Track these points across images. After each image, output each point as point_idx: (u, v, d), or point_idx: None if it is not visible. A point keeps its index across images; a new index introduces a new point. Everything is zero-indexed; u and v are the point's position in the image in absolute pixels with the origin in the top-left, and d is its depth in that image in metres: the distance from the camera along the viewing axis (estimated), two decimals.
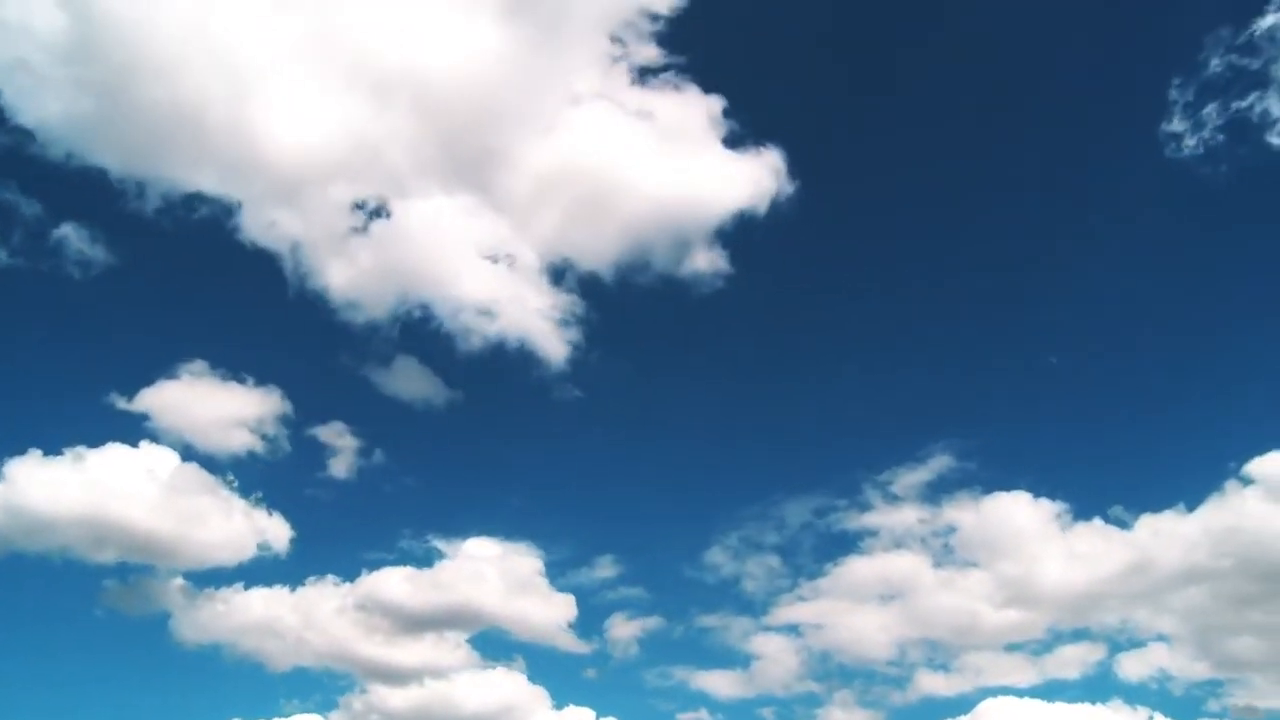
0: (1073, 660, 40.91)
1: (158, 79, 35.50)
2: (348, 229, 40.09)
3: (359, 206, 39.80)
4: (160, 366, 39.05)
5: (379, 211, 40.23)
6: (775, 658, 41.88)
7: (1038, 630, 41.28)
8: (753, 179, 41.66)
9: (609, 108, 41.51)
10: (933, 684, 41.28)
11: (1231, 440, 39.79)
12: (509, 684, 39.99)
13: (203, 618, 38.76)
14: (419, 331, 41.51)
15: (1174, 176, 41.00)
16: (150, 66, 35.30)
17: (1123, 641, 40.78)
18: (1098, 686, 39.99)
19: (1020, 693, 39.77)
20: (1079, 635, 40.99)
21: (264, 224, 39.11)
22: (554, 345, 41.68)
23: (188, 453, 38.50)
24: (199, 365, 39.44)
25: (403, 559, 41.09)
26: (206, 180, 37.77)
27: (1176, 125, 39.97)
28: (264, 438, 39.84)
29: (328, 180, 38.83)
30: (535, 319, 41.44)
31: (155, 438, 38.11)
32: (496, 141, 40.36)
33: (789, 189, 41.80)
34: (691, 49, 41.17)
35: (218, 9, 35.79)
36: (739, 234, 41.76)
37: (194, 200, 38.25)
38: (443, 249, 40.86)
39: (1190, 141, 40.06)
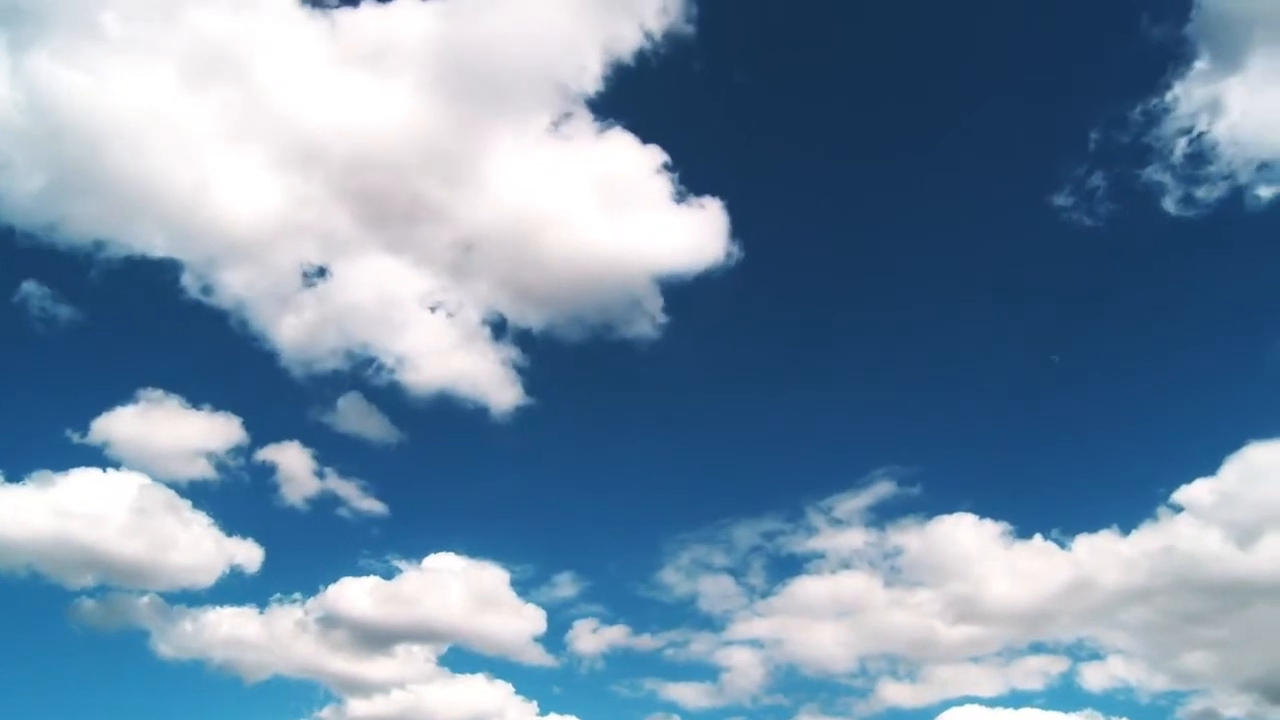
0: (1035, 671, 41.89)
1: (109, 153, 37.46)
2: (293, 287, 41.69)
3: (302, 266, 41.51)
4: (119, 395, 40.24)
5: (321, 272, 41.93)
6: (742, 670, 42.91)
7: (993, 645, 42.35)
8: (691, 231, 42.85)
9: (544, 161, 42.47)
10: (897, 694, 42.31)
11: (1160, 469, 41.67)
12: (484, 693, 40.97)
13: (176, 635, 39.67)
14: (368, 380, 42.82)
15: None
16: (101, 142, 37.28)
17: (1082, 654, 41.93)
18: (1061, 697, 41.11)
19: (986, 702, 40.87)
20: (1037, 648, 42.14)
21: (211, 283, 40.76)
22: (498, 392, 42.95)
23: (152, 477, 39.52)
24: (157, 393, 40.50)
25: (367, 572, 42.06)
26: (157, 243, 39.64)
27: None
28: (223, 463, 40.99)
29: (272, 242, 40.51)
30: (478, 368, 42.87)
31: (117, 464, 39.23)
32: (434, 198, 41.52)
33: (727, 238, 42.85)
34: (632, 103, 42.30)
35: (162, 87, 37.63)
36: (678, 283, 43.09)
37: (145, 262, 40.04)
38: (385, 304, 42.40)
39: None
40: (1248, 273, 41.35)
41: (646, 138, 42.43)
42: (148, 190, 37.76)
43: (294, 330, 41.85)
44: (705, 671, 42.81)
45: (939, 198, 45.27)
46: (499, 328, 43.13)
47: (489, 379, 42.84)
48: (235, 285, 40.77)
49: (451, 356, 42.55)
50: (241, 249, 40.08)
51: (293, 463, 41.63)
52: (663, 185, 42.31)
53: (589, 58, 41.11)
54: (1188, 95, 40.60)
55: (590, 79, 41.59)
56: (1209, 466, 39.58)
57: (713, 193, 42.80)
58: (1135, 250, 43.06)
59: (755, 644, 42.94)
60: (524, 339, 43.36)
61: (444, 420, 43.33)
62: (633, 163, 42.33)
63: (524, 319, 43.14)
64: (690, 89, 44.08)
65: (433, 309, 42.88)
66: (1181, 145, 40.87)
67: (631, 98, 42.19)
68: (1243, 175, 40.24)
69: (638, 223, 42.74)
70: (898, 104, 45.29)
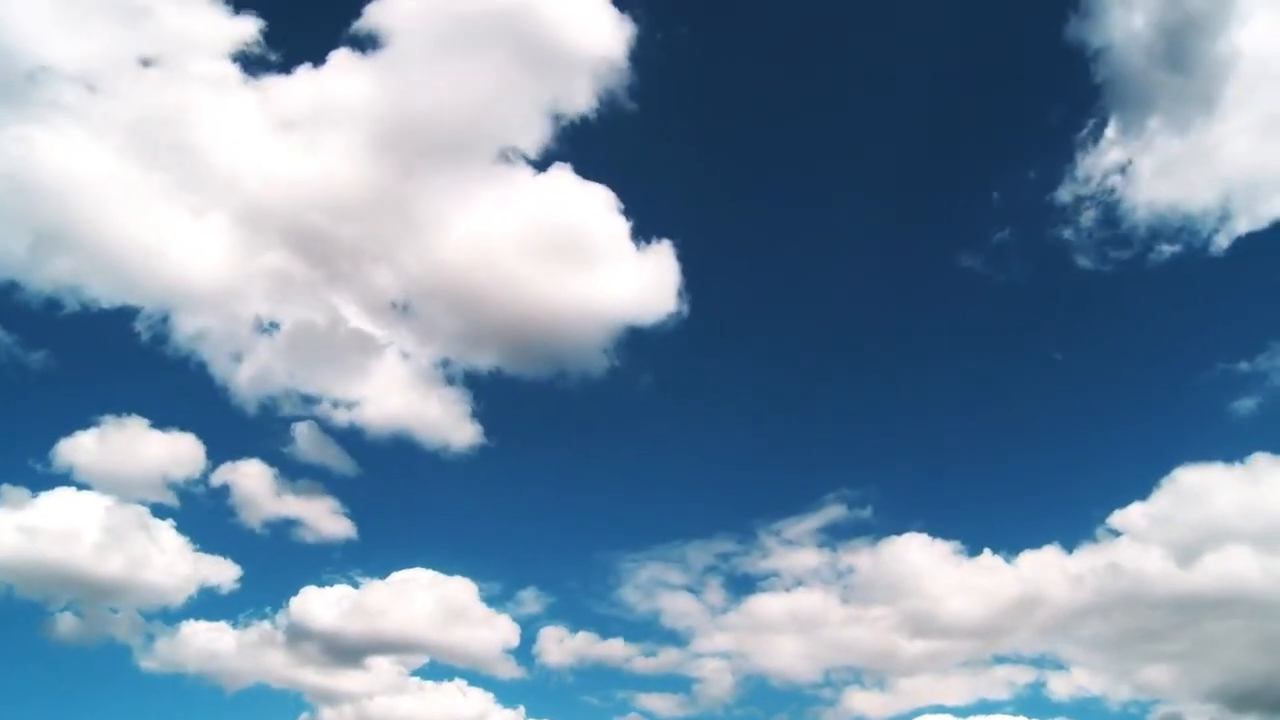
0: (1002, 681, 42.73)
1: (74, 213, 39.38)
2: (247, 334, 42.92)
3: (255, 313, 42.69)
4: (84, 418, 41.25)
5: (272, 323, 43.07)
6: (713, 680, 43.77)
7: (956, 657, 43.33)
8: (641, 273, 44.13)
9: (488, 210, 43.36)
10: (866, 704, 43.02)
11: (1096, 494, 43.20)
12: (461, 701, 41.76)
13: (153, 650, 40.51)
14: (325, 420, 43.83)
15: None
16: (62, 202, 39.20)
17: (1046, 666, 42.64)
18: (1030, 706, 41.94)
19: (954, 711, 41.75)
20: (1001, 660, 43.01)
21: (167, 330, 42.12)
22: (453, 432, 44.30)
23: (121, 498, 40.51)
24: (120, 418, 41.59)
25: (334, 586, 42.93)
26: (114, 294, 41.08)
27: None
28: (189, 483, 42.02)
29: (225, 292, 42.11)
30: (433, 410, 44.36)
31: (84, 485, 40.13)
32: (381, 248, 42.96)
33: (678, 278, 44.21)
34: (576, 153, 43.45)
35: (117, 152, 39.70)
36: (628, 324, 44.24)
37: (104, 310, 41.32)
38: (337, 350, 43.46)
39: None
40: (1155, 322, 44.96)
41: (592, 184, 43.74)
42: (105, 246, 39.83)
43: (250, 373, 43.09)
44: (677, 683, 43.92)
45: (872, 233, 47.35)
46: (451, 371, 44.68)
47: (444, 420, 44.40)
48: (191, 332, 42.28)
49: (406, 399, 44.13)
50: (196, 299, 41.83)
51: (256, 482, 42.66)
52: (611, 230, 43.72)
53: (530, 109, 42.61)
54: (1097, 159, 43.03)
55: (532, 130, 42.95)
56: (1142, 491, 41.36)
57: (663, 236, 44.34)
58: (1057, 300, 46.21)
59: (723, 656, 43.98)
60: (476, 380, 44.83)
61: (402, 456, 44.59)
62: (578, 210, 43.70)
63: (475, 362, 44.69)
64: (634, 138, 45.56)
65: (384, 354, 44.28)
66: (1091, 208, 43.36)
67: (576, 147, 43.63)
68: (1147, 234, 42.85)
69: (586, 267, 44.13)
70: (831, 159, 48.14)
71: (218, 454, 42.45)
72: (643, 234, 44.01)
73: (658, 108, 45.21)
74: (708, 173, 47.87)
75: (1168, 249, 42.45)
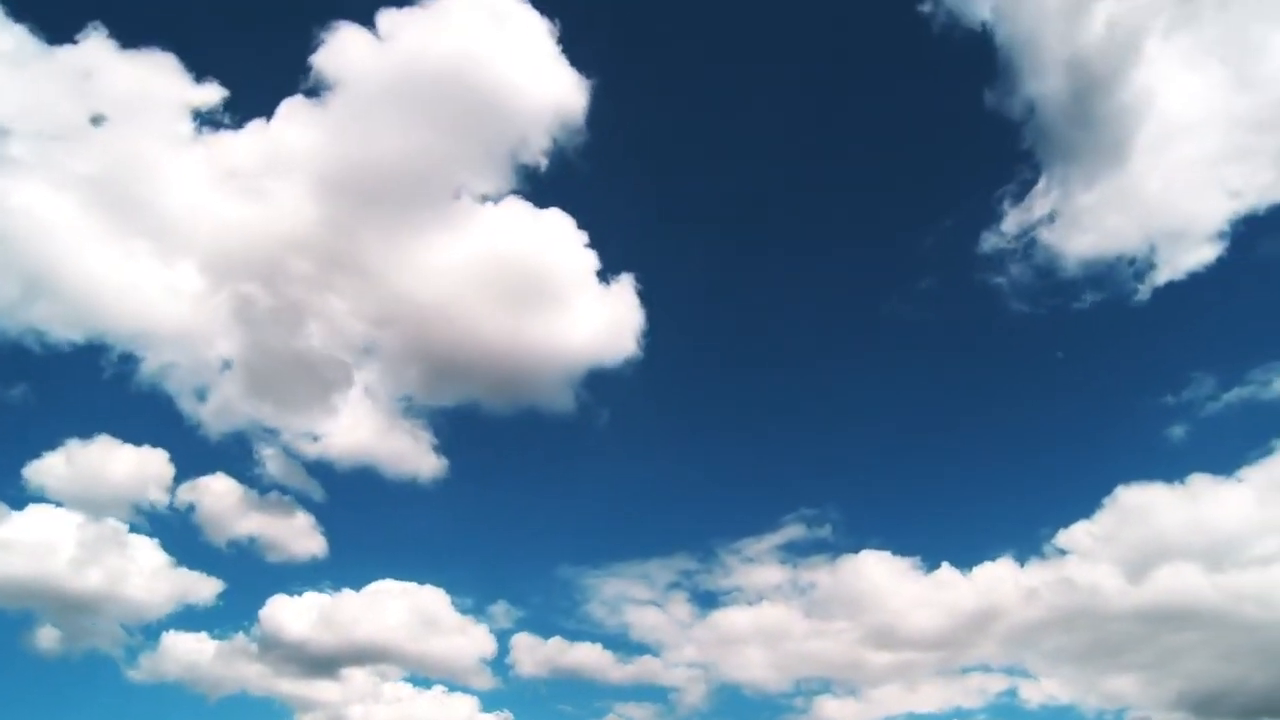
0: (974, 690, 43.50)
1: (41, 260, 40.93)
2: (208, 371, 44.05)
3: (216, 352, 43.74)
4: (57, 437, 42.18)
5: (235, 363, 44.01)
6: (688, 689, 44.75)
7: (921, 668, 44.15)
8: (603, 308, 45.56)
9: (447, 250, 44.43)
10: (839, 711, 43.99)
11: (1046, 512, 44.75)
12: (441, 708, 42.78)
13: (135, 661, 41.60)
14: (289, 449, 45.10)
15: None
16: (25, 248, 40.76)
17: (1015, 675, 43.37)
18: (1005, 714, 42.86)
19: (926, 719, 42.80)
20: (968, 670, 43.80)
21: (135, 368, 43.34)
22: (417, 462, 45.63)
23: (96, 514, 41.60)
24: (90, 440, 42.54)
25: (311, 599, 43.77)
26: (83, 334, 42.36)
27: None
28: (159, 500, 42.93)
29: (187, 332, 43.22)
30: (398, 443, 45.73)
31: (59, 503, 41.08)
32: (341, 288, 44.04)
33: (638, 312, 45.69)
34: (535, 193, 44.75)
35: (81, 203, 41.19)
36: (590, 358, 45.81)
37: (77, 348, 42.55)
38: (302, 386, 44.48)
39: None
40: (1085, 359, 47.24)
41: (551, 219, 44.86)
42: (72, 289, 41.38)
43: (215, 406, 44.09)
44: (652, 693, 44.84)
45: (818, 277, 51.24)
46: (415, 406, 46.00)
47: (409, 452, 45.77)
48: (156, 368, 43.38)
49: (371, 433, 45.60)
50: (162, 338, 43.05)
51: (226, 498, 43.66)
52: (574, 268, 44.94)
53: (486, 154, 43.93)
54: (1022, 214, 45.62)
55: (488, 173, 44.13)
56: (1087, 510, 42.69)
57: (623, 271, 45.82)
58: (990, 339, 48.98)
59: (695, 666, 44.94)
60: (440, 415, 46.25)
61: (368, 486, 45.78)
62: (537, 247, 44.88)
63: (439, 398, 46.04)
64: (590, 181, 47.07)
65: (348, 391, 45.19)
66: (1019, 258, 45.99)
67: (535, 187, 44.88)
68: (1074, 281, 45.24)
69: (546, 304, 45.28)
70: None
71: (186, 471, 43.43)
72: (603, 273, 45.39)
73: (610, 158, 47.52)
74: (663, 216, 51.00)
75: (1091, 297, 45.18)
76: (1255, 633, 39.24)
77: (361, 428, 45.30)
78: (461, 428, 46.85)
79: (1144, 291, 43.84)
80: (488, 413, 46.77)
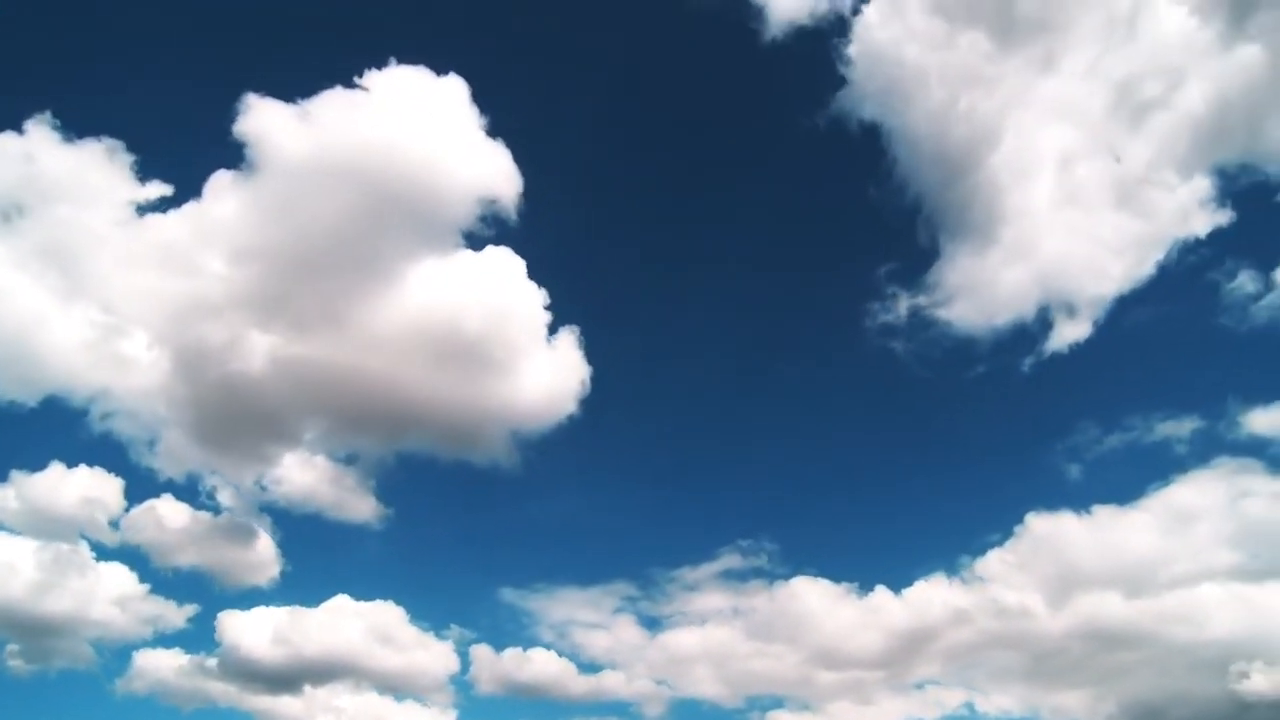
0: (932, 703, 44.34)
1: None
2: (159, 425, 45.72)
3: (165, 411, 45.16)
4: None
5: (179, 417, 45.39)
6: (648, 706, 45.81)
7: (867, 685, 45.07)
8: (543, 359, 47.15)
9: (381, 308, 45.54)
10: None
11: (965, 540, 47.12)
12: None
13: (103, 679, 43.32)
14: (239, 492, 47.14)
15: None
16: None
17: (965, 690, 44.30)
18: None
19: None
20: (921, 685, 44.75)
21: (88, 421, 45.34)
22: (360, 509, 47.50)
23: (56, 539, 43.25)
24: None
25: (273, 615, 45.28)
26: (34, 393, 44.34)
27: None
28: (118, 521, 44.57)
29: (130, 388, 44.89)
30: (340, 495, 47.58)
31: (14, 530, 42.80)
32: (279, 346, 45.15)
33: (581, 362, 47.52)
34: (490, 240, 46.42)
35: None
36: (528, 410, 47.61)
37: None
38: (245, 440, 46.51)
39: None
40: (977, 415, 51.40)
41: (491, 278, 46.27)
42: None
43: (165, 451, 45.81)
44: (616, 708, 45.98)
45: (743, 347, 55.10)
46: (353, 458, 47.77)
47: (350, 500, 47.56)
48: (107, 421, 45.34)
49: (314, 482, 47.41)
50: (113, 395, 44.98)
51: (179, 520, 45.28)
52: (516, 325, 46.49)
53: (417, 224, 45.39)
54: (916, 294, 49.31)
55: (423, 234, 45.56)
56: (1001, 539, 44.88)
57: (565, 324, 47.51)
58: (893, 399, 52.88)
59: (650, 682, 46.09)
60: (379, 466, 48.18)
61: (316, 526, 47.59)
62: (479, 307, 46.20)
63: (381, 450, 47.92)
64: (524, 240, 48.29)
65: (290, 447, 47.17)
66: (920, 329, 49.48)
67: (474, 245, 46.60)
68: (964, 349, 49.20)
69: (489, 364, 46.45)
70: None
71: (137, 494, 45.10)
72: (552, 325, 47.09)
73: (542, 225, 49.22)
74: (605, 271, 55.86)
75: (981, 367, 49.61)
76: (1188, 652, 40.08)
77: (305, 478, 47.40)
78: (404, 477, 49.18)
79: (1025, 357, 48.59)
80: (429, 462, 49.31)
